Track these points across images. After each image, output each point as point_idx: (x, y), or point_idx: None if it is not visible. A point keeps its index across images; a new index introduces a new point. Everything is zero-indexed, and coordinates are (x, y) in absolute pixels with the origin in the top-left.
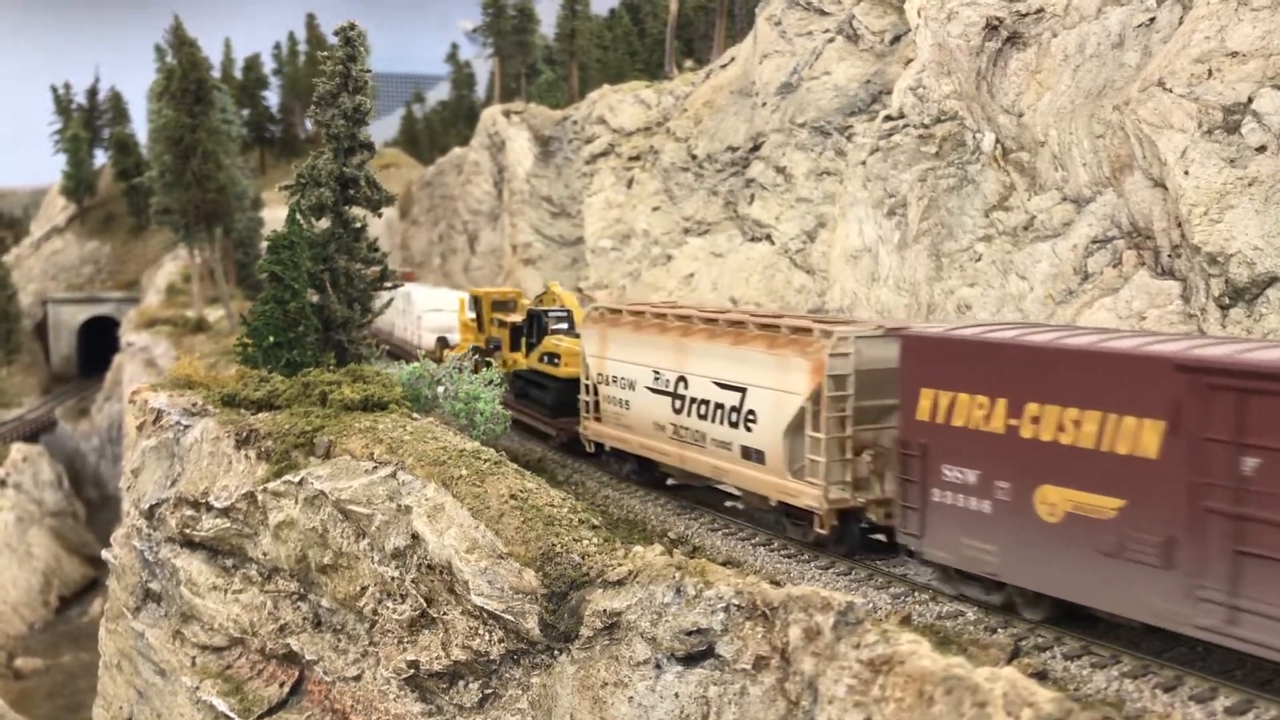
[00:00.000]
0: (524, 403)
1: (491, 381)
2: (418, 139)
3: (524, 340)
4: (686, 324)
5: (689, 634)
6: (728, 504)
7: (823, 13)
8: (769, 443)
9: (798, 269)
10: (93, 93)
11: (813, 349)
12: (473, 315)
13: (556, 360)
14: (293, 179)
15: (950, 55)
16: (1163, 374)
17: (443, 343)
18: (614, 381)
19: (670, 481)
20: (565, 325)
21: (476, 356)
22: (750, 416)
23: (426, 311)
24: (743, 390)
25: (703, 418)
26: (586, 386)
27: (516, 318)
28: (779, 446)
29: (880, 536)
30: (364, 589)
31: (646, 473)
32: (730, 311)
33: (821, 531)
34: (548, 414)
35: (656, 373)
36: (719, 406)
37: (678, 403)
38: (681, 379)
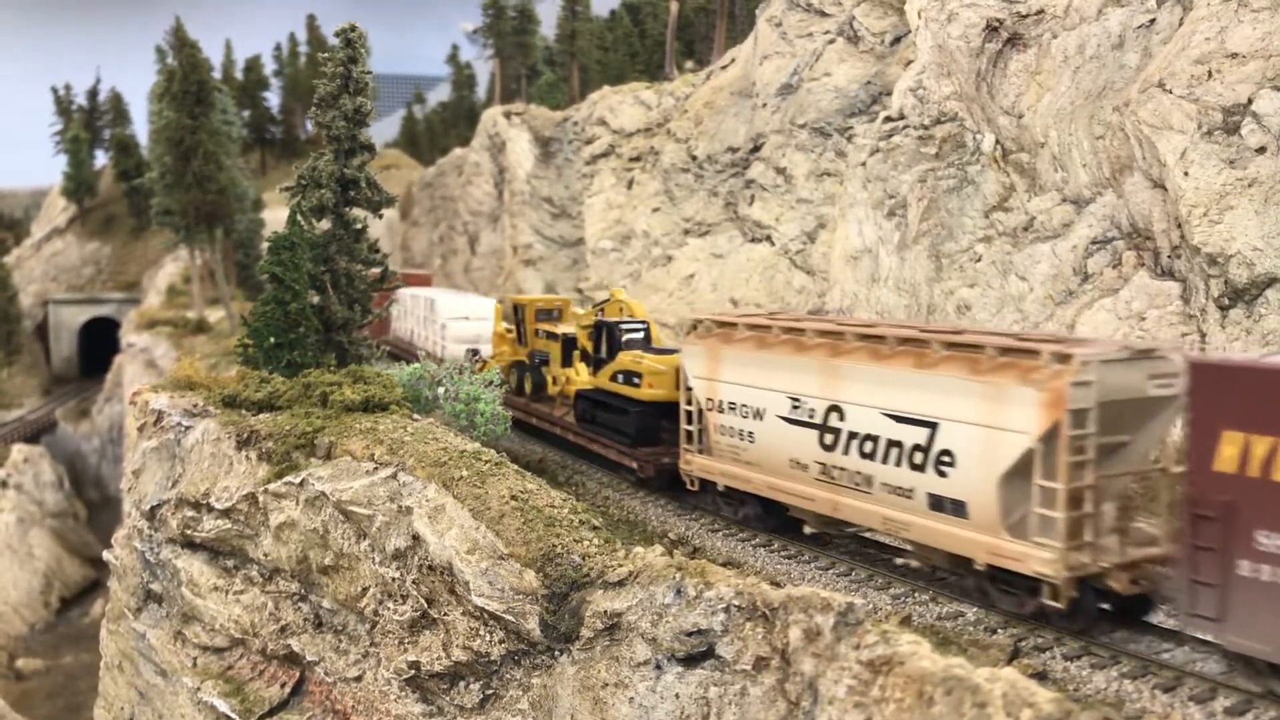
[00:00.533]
0: (590, 428)
1: (491, 382)
2: (418, 140)
3: (588, 356)
4: (836, 341)
5: (689, 635)
6: (899, 561)
7: (823, 14)
8: (975, 492)
9: (798, 270)
10: (93, 94)
11: (1042, 376)
12: (510, 326)
13: (637, 380)
14: (293, 180)
15: (950, 57)
16: None
17: (473, 356)
18: (730, 409)
19: (808, 530)
20: (641, 338)
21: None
22: (945, 459)
23: (451, 320)
24: (932, 425)
25: (868, 457)
26: (688, 414)
27: (567, 329)
28: (991, 497)
29: (1104, 605)
30: (365, 590)
31: (772, 517)
32: (892, 325)
33: (1054, 604)
34: (626, 443)
35: (795, 400)
36: (894, 445)
37: (828, 438)
38: (834, 409)
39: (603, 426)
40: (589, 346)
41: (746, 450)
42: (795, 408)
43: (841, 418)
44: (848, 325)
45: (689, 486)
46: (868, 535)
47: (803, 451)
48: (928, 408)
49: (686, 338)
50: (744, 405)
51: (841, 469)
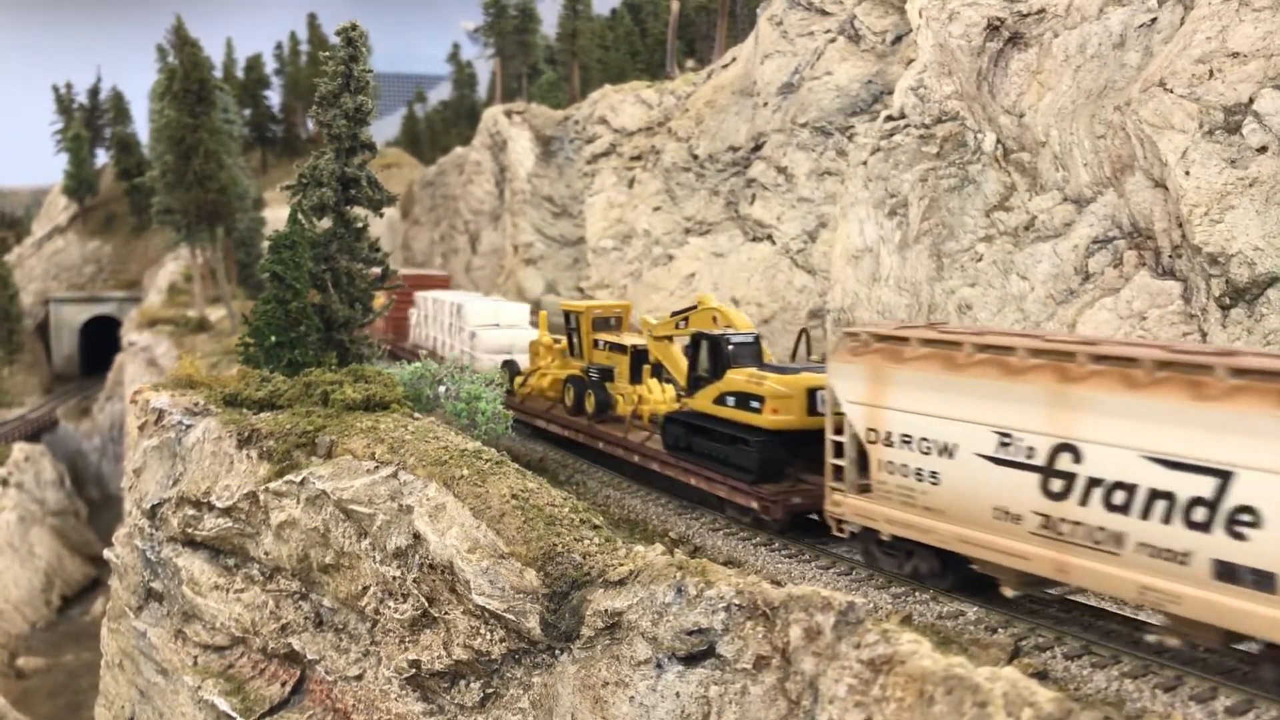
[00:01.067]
0: (686, 458)
1: (492, 381)
2: (419, 139)
3: (660, 371)
4: (1064, 363)
5: (690, 634)
6: (1150, 638)
7: (824, 13)
8: None
9: (799, 269)
10: (94, 92)
11: None
12: (557, 336)
13: (757, 404)
14: (294, 179)
15: (951, 56)
16: None
17: (511, 369)
18: (904, 443)
19: (1009, 592)
20: (751, 354)
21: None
22: (1244, 517)
23: (481, 328)
24: (1223, 475)
25: (1119, 510)
26: (837, 446)
27: (635, 340)
28: None
29: None
30: (365, 588)
31: (952, 573)
32: (1133, 344)
33: None
34: (745, 479)
35: (1005, 435)
36: (1161, 496)
37: (1056, 484)
38: (1065, 448)
39: (705, 457)
40: (669, 361)
41: (927, 494)
42: (1004, 445)
43: (1077, 459)
44: (1072, 343)
45: (835, 532)
46: (1079, 599)
47: (1015, 499)
48: (1216, 451)
49: (836, 354)
50: (924, 439)
51: (1076, 523)
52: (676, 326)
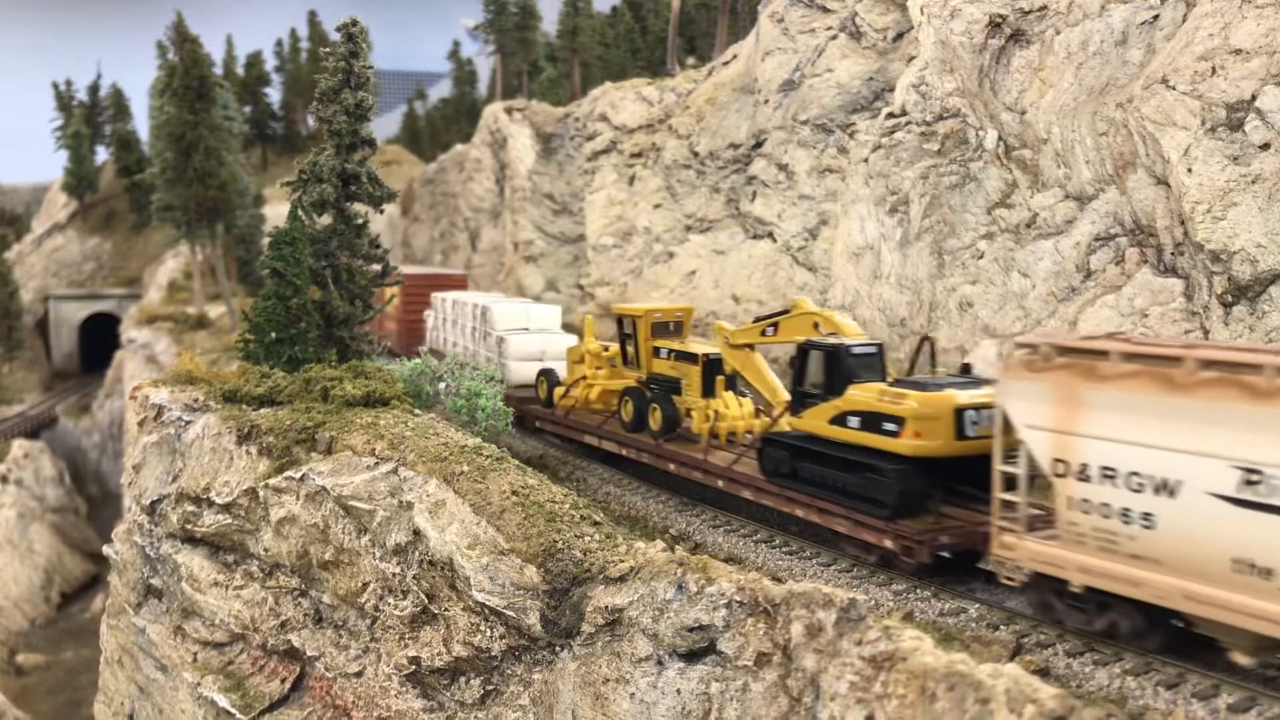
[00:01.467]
0: (791, 486)
1: (492, 379)
2: (419, 136)
3: (733, 382)
4: None
5: (691, 630)
6: None
7: (825, 10)
8: None
9: (799, 266)
10: (94, 89)
11: None
12: (604, 343)
13: (893, 426)
14: (295, 175)
15: (953, 52)
16: None
17: (549, 379)
18: (1106, 478)
19: (1242, 659)
20: (875, 366)
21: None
22: None
23: (510, 333)
24: None
25: None
26: (1008, 477)
27: (707, 348)
28: None
29: None
30: (365, 585)
31: (1159, 633)
32: None
33: None
34: (879, 513)
35: (1251, 472)
36: None
37: None
38: None
39: (820, 486)
40: (752, 372)
41: (1136, 539)
42: (1251, 483)
43: None
44: None
45: (1005, 580)
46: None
47: (1266, 550)
48: None
49: (1010, 369)
50: (1134, 474)
51: None
52: (762, 333)
